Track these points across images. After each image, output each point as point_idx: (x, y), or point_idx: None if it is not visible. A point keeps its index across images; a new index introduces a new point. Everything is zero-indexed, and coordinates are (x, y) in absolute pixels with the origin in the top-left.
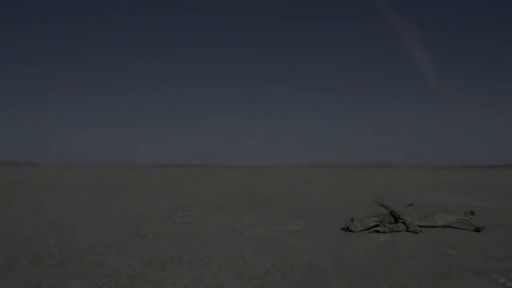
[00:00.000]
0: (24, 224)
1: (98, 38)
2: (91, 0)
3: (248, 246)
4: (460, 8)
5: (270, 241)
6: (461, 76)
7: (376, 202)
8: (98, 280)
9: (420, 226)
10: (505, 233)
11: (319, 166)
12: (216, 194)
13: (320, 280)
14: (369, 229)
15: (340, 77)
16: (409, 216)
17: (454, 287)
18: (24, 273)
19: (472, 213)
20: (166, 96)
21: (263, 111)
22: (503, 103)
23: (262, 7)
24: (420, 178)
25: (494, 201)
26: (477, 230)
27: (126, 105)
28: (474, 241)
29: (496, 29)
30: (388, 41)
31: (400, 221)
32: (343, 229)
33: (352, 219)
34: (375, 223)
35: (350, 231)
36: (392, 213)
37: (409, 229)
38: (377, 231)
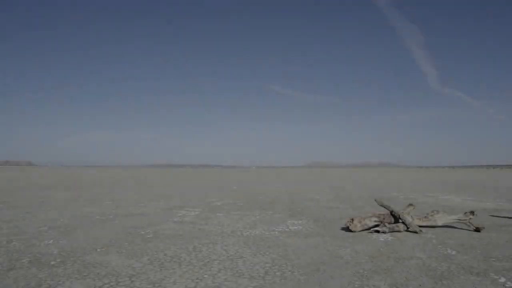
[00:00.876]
0: (24, 224)
1: (98, 39)
2: (91, 1)
3: (248, 246)
4: (460, 8)
5: (270, 241)
6: (461, 76)
7: (376, 202)
8: (98, 280)
9: (420, 226)
10: (505, 233)
11: (319, 166)
12: (216, 194)
13: (320, 280)
14: (369, 229)
15: (340, 77)
16: (409, 216)
17: (454, 287)
18: (24, 273)
19: (472, 213)
20: (165, 96)
21: (263, 111)
22: (503, 103)
23: (262, 7)
24: (420, 178)
25: (494, 201)
26: (477, 230)
27: (125, 107)
28: (474, 241)
29: (496, 29)
30: (389, 41)
31: (400, 221)
32: (343, 229)
33: (352, 219)
34: (375, 223)
35: (350, 231)
36: (392, 213)
37: (409, 229)
38: (377, 231)
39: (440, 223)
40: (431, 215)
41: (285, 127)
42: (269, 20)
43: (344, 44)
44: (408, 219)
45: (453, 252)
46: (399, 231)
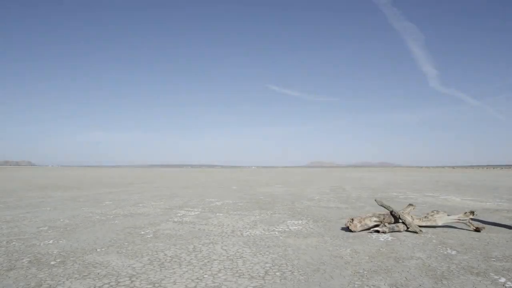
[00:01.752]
0: (24, 224)
1: (98, 41)
2: (90, 2)
3: (248, 246)
4: (461, 8)
5: (270, 241)
6: (461, 76)
7: (376, 202)
8: (98, 280)
9: (420, 226)
10: (505, 233)
11: (319, 166)
12: (216, 194)
13: (320, 280)
14: (369, 229)
15: (340, 77)
16: (409, 216)
17: (454, 287)
18: (24, 273)
19: (472, 213)
20: (165, 96)
21: (264, 112)
22: (503, 103)
23: (261, 8)
24: (420, 178)
25: (494, 201)
26: (477, 230)
27: (125, 107)
28: (474, 241)
29: (496, 30)
30: (389, 41)
31: (400, 221)
32: (343, 229)
33: (352, 219)
34: (375, 223)
35: (350, 231)
36: (392, 213)
37: (409, 229)
38: (377, 231)
39: (440, 223)
40: (431, 215)
41: (285, 127)
42: (269, 20)
43: (344, 44)
44: (408, 219)
45: (453, 252)
46: (399, 231)
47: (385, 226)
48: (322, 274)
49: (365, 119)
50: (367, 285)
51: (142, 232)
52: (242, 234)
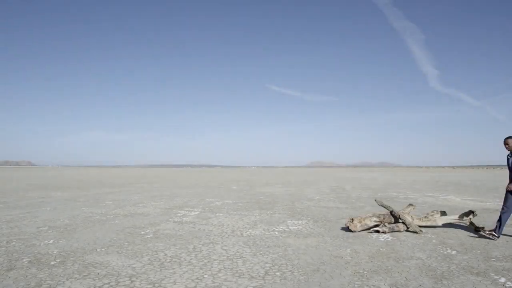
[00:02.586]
0: (24, 224)
1: (97, 41)
2: (91, 2)
3: (248, 246)
4: (461, 9)
5: (270, 241)
6: (461, 76)
7: (376, 202)
8: (98, 280)
9: (420, 226)
10: (505, 233)
11: (319, 165)
12: (216, 194)
13: (320, 280)
14: (369, 229)
15: (340, 77)
16: (409, 216)
17: (454, 287)
18: (24, 273)
19: (472, 213)
20: (165, 96)
21: (264, 111)
22: (503, 103)
23: (261, 8)
24: (420, 178)
25: (494, 201)
26: (477, 230)
27: (125, 107)
28: (474, 241)
29: (496, 30)
30: (389, 41)
31: (400, 221)
32: (343, 229)
33: (352, 219)
34: (375, 223)
35: (350, 231)
36: (392, 213)
37: (409, 229)
38: (377, 231)
39: (440, 223)
40: (431, 215)
41: (285, 127)
42: (269, 20)
43: (344, 44)
44: (408, 219)
45: (453, 252)
46: (399, 231)
47: (385, 226)
48: (322, 274)
49: (365, 119)
50: (367, 285)
51: (142, 232)
52: (242, 234)
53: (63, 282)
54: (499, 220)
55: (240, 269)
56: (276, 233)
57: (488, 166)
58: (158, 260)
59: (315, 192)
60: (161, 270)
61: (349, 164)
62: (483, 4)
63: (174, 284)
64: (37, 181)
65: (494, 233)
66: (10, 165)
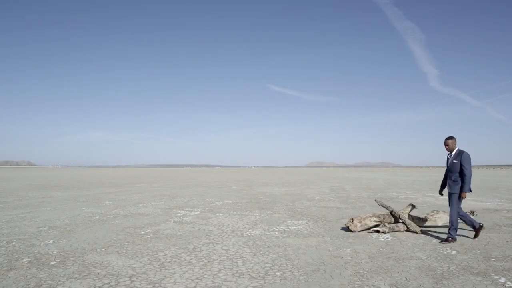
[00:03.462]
0: (24, 224)
1: (97, 41)
2: (91, 2)
3: (248, 246)
4: (461, 9)
5: (270, 241)
6: (462, 76)
7: (376, 202)
8: (98, 280)
9: (420, 226)
10: (505, 233)
11: (319, 165)
12: (216, 194)
13: (320, 280)
14: (369, 229)
15: (341, 77)
16: (409, 216)
17: (454, 287)
18: (24, 273)
19: (472, 213)
20: (165, 96)
21: (264, 111)
22: (503, 103)
23: (261, 8)
24: (420, 178)
25: (494, 201)
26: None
27: (125, 107)
28: (474, 241)
29: (496, 30)
30: (389, 41)
31: (400, 221)
32: (343, 229)
33: (352, 219)
34: (375, 223)
35: (350, 231)
36: (392, 213)
37: (409, 229)
38: (377, 231)
39: (440, 223)
40: (431, 215)
41: (285, 127)
42: (269, 20)
43: (344, 44)
44: (408, 219)
45: (453, 252)
46: (399, 231)
47: (385, 226)
48: (322, 274)
49: (365, 119)
50: (367, 285)
51: (142, 232)
52: (242, 234)
53: (63, 282)
54: (463, 221)
55: (240, 269)
56: (276, 233)
57: (488, 166)
58: (158, 260)
59: (315, 192)
60: (161, 270)
61: (349, 164)
62: (483, 4)
63: (174, 284)
64: (37, 181)
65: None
66: (10, 165)
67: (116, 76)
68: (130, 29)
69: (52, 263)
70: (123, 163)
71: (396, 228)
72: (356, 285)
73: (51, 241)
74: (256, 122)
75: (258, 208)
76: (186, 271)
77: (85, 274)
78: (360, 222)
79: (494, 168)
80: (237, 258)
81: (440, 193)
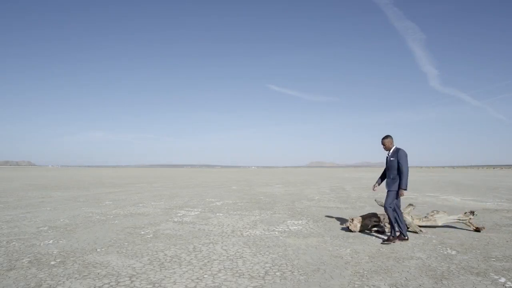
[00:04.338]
0: (24, 224)
1: (97, 41)
2: (91, 2)
3: (248, 246)
4: (462, 9)
5: (270, 241)
6: (462, 76)
7: (376, 202)
8: (98, 280)
9: (420, 226)
10: (505, 233)
11: (319, 165)
12: (216, 194)
13: (320, 280)
14: (369, 229)
15: (341, 77)
16: (409, 216)
17: (454, 287)
18: (24, 273)
19: (472, 213)
20: (165, 96)
21: (264, 111)
22: (503, 103)
23: (261, 8)
24: (420, 178)
25: (494, 201)
26: (477, 230)
27: (124, 107)
28: (474, 241)
29: (497, 30)
30: (389, 41)
31: None
32: (343, 229)
33: (352, 219)
34: (375, 223)
35: (350, 231)
36: None
37: (409, 229)
38: (377, 231)
39: (440, 223)
40: (431, 215)
41: (285, 127)
42: (269, 20)
43: (344, 44)
44: (408, 219)
45: (453, 252)
46: None
47: (385, 226)
48: (322, 274)
49: (365, 119)
50: (367, 285)
51: (142, 232)
52: (242, 234)
53: (63, 282)
54: (396, 222)
55: (240, 269)
56: (276, 233)
57: (488, 166)
58: (158, 260)
59: (315, 192)
60: (161, 270)
61: (349, 164)
62: (483, 4)
63: (174, 284)
64: (37, 181)
65: (403, 237)
66: (10, 165)
67: (116, 76)
68: (130, 29)
69: (52, 263)
70: (123, 163)
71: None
72: (356, 285)
73: (51, 241)
74: (256, 122)
75: (258, 208)
76: (186, 271)
77: (85, 274)
78: (360, 222)
79: (494, 168)
80: (237, 258)
81: (373, 188)
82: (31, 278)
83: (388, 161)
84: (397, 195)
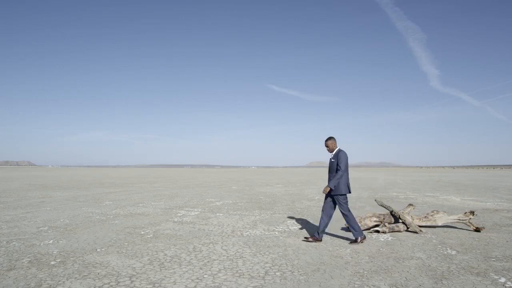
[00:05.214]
0: (24, 224)
1: (97, 41)
2: (91, 2)
3: (248, 246)
4: (462, 9)
5: (270, 241)
6: (462, 76)
7: (376, 202)
8: (98, 280)
9: (420, 226)
10: (505, 233)
11: (319, 166)
12: (216, 194)
13: (320, 280)
14: (369, 229)
15: (341, 77)
16: (409, 216)
17: (454, 287)
18: (24, 273)
19: (472, 213)
20: (165, 96)
21: (264, 111)
22: (503, 103)
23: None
24: (420, 178)
25: (494, 201)
26: (477, 230)
27: (124, 107)
28: (474, 241)
29: (497, 30)
30: (390, 41)
31: (400, 221)
32: (343, 229)
33: None
34: (375, 223)
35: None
36: (392, 213)
37: (409, 229)
38: (377, 231)
39: (440, 223)
40: (431, 215)
41: (285, 127)
42: (269, 20)
43: (345, 44)
44: (408, 219)
45: (453, 252)
46: (399, 231)
47: (385, 226)
48: (322, 274)
49: (365, 119)
50: (367, 285)
51: (142, 232)
52: (242, 234)
53: (63, 282)
54: (319, 225)
55: (240, 269)
56: (276, 233)
57: (488, 166)
58: (158, 260)
59: (315, 192)
60: (161, 270)
61: (349, 164)
62: (483, 4)
63: (174, 284)
64: (37, 181)
65: (316, 238)
66: (10, 165)
67: (116, 76)
68: (130, 29)
69: (52, 263)
70: (123, 163)
71: (396, 228)
72: (356, 285)
73: (51, 241)
74: (256, 122)
75: (258, 208)
76: (186, 271)
77: (85, 274)
78: (360, 222)
79: (494, 168)
80: (237, 258)
81: (324, 191)
82: (31, 278)
83: (329, 163)
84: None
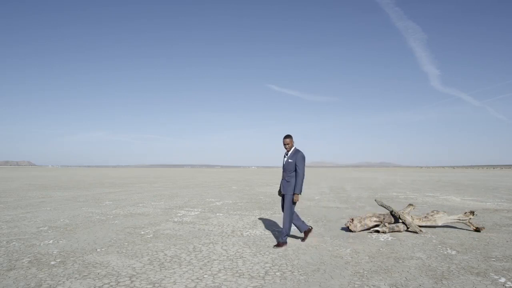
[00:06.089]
0: (24, 224)
1: (97, 41)
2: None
3: (248, 246)
4: (463, 9)
5: (270, 241)
6: (462, 76)
7: (376, 202)
8: (98, 280)
9: (420, 226)
10: (505, 233)
11: (319, 165)
12: (216, 194)
13: (320, 280)
14: (369, 229)
15: (341, 77)
16: (409, 216)
17: (454, 287)
18: (24, 273)
19: (472, 213)
20: (165, 96)
21: (264, 111)
22: (503, 103)
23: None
24: (420, 178)
25: (494, 201)
26: (477, 230)
27: (124, 107)
28: (474, 241)
29: (497, 30)
30: (390, 41)
31: (400, 221)
32: (343, 229)
33: (352, 219)
34: (375, 223)
35: (350, 231)
36: (392, 213)
37: (409, 229)
38: (377, 231)
39: (440, 223)
40: (431, 215)
41: (285, 126)
42: (269, 20)
43: (345, 44)
44: (408, 219)
45: (453, 252)
46: (399, 231)
47: (385, 226)
48: (322, 274)
49: (365, 119)
50: (367, 285)
51: (142, 232)
52: (242, 234)
53: (63, 282)
54: (297, 227)
55: (240, 269)
56: (276, 233)
57: (488, 166)
58: (158, 260)
59: (315, 192)
60: (161, 270)
61: (349, 164)
62: (483, 4)
63: (174, 284)
64: (37, 181)
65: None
66: (10, 165)
67: (116, 76)
68: (130, 29)
69: (52, 263)
70: (123, 163)
71: (396, 228)
72: (356, 285)
73: (51, 241)
74: (256, 122)
75: (258, 208)
76: (186, 271)
77: (85, 274)
78: (360, 222)
79: (494, 168)
80: (237, 258)
81: (279, 193)
82: (31, 278)
83: (285, 162)
84: (293, 201)
